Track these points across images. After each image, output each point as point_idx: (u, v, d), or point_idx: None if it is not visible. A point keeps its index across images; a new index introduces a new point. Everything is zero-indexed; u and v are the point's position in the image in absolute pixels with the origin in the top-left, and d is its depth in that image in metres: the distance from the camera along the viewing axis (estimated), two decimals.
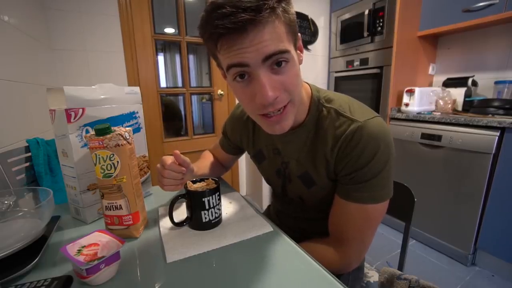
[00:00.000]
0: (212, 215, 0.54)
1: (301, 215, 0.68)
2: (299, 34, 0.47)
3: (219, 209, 0.56)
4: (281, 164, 0.63)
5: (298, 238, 0.64)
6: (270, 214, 0.83)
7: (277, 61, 0.42)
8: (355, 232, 0.53)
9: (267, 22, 0.39)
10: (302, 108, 0.54)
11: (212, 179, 0.60)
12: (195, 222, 0.55)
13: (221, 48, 0.41)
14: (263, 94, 0.42)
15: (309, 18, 2.31)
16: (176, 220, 0.55)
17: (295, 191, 0.64)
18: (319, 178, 0.56)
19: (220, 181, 0.82)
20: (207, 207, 0.53)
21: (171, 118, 2.13)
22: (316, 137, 0.54)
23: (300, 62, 0.48)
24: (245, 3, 0.37)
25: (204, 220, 0.54)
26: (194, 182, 0.60)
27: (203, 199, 0.53)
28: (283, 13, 0.41)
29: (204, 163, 0.79)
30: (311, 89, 0.56)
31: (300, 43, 0.48)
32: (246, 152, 0.87)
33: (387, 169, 0.50)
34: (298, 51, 0.48)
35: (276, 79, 0.43)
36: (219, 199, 0.56)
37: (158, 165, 0.58)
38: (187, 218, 0.56)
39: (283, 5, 0.42)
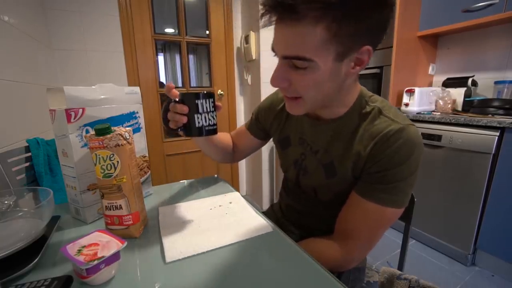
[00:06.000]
0: (205, 121, 0.55)
1: (310, 209, 0.68)
2: (367, 47, 0.44)
3: (214, 118, 0.57)
4: (300, 155, 0.64)
5: (302, 235, 0.63)
6: (274, 212, 0.82)
7: (293, 63, 0.44)
8: (367, 231, 0.54)
9: (300, 24, 0.40)
10: (344, 102, 0.55)
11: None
12: (189, 126, 0.55)
13: (271, 23, 0.44)
14: (272, 77, 0.48)
15: None
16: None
17: (310, 182, 0.63)
18: (343, 170, 0.56)
19: (220, 181, 0.82)
20: (200, 110, 0.54)
21: None
22: (354, 131, 0.55)
23: (349, 73, 0.47)
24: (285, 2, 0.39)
25: (197, 125, 0.54)
26: None
27: (196, 101, 0.53)
28: (334, 23, 0.39)
29: (221, 135, 0.78)
30: (360, 88, 0.58)
31: (361, 56, 0.45)
32: (241, 160, 0.87)
33: (414, 177, 0.51)
34: (350, 62, 0.45)
35: (289, 74, 0.46)
36: (214, 108, 0.56)
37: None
38: (182, 124, 0.56)
39: (338, 16, 0.39)
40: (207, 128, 0.55)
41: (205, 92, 0.55)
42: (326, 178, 0.59)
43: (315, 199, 0.64)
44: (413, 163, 0.49)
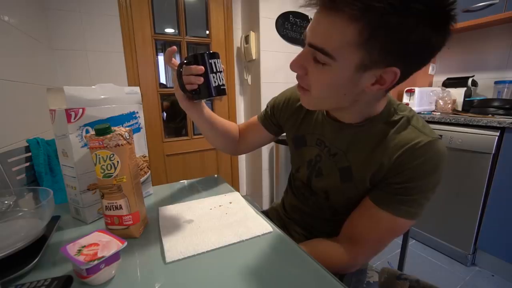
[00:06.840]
0: (220, 80, 0.57)
1: (317, 212, 0.66)
2: (395, 69, 0.40)
3: (223, 79, 0.58)
4: (315, 157, 0.63)
5: (306, 236, 0.63)
6: (277, 211, 0.81)
7: (315, 55, 0.43)
8: (376, 238, 0.53)
9: (335, 18, 0.38)
10: (365, 112, 0.53)
11: None
12: (205, 87, 0.56)
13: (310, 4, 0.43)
14: (292, 60, 0.47)
15: (310, 18, 2.32)
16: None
17: (323, 184, 0.61)
18: (360, 176, 0.54)
19: (220, 181, 0.82)
20: (214, 70, 0.56)
21: (176, 117, 2.14)
22: (378, 139, 0.52)
23: (367, 89, 0.44)
24: None
25: (214, 84, 0.56)
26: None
27: (210, 61, 0.55)
28: (368, 29, 0.37)
29: (224, 120, 0.76)
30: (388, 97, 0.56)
31: (386, 76, 0.42)
32: (247, 153, 0.85)
33: (433, 192, 0.49)
34: (371, 78, 0.43)
35: (308, 64, 0.45)
36: (222, 68, 0.58)
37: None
38: (198, 86, 0.57)
39: (374, 23, 0.36)
40: (222, 87, 0.57)
41: (211, 51, 0.57)
42: (341, 181, 0.57)
43: (325, 202, 0.63)
44: (436, 178, 0.48)
